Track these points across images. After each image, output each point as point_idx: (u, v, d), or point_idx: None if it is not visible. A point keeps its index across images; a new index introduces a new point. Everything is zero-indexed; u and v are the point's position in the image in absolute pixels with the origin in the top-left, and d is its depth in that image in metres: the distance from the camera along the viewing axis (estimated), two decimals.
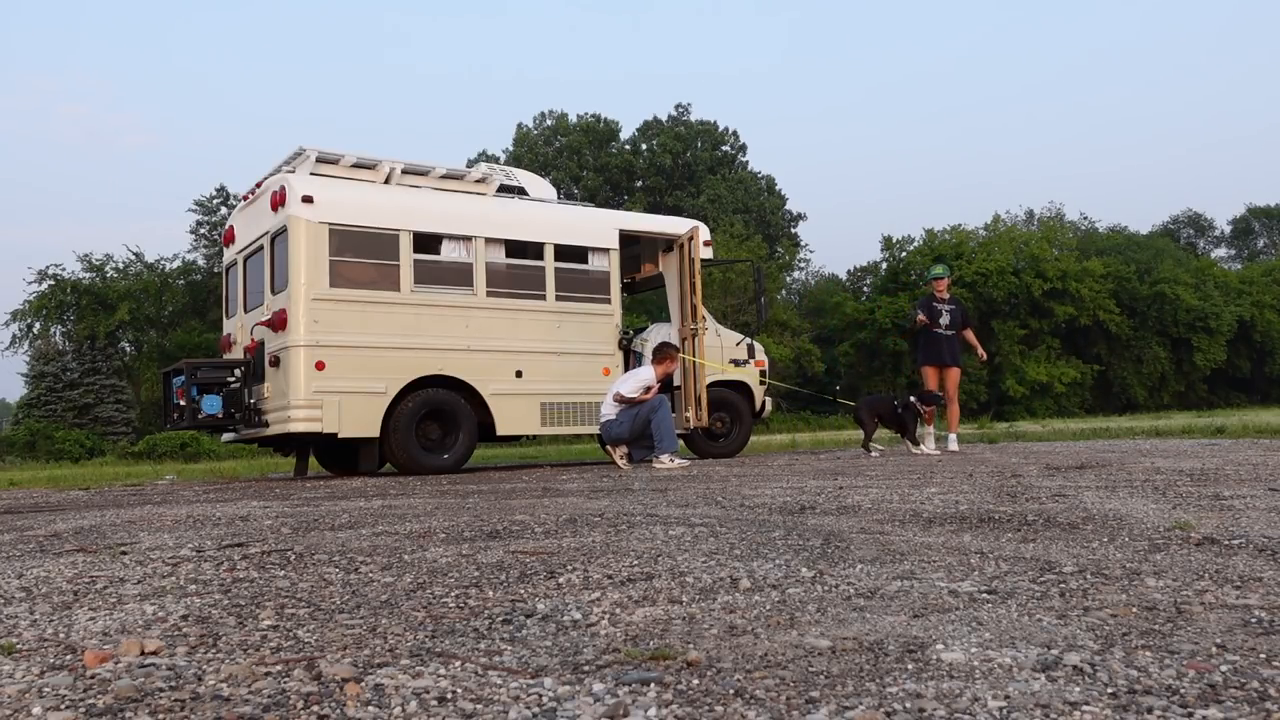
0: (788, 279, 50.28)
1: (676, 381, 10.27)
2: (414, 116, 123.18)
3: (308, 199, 8.27)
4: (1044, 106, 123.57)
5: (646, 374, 8.63)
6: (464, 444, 8.85)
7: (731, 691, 1.38)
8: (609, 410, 8.51)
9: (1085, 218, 57.79)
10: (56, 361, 34.88)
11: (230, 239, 9.83)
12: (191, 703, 1.37)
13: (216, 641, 1.76)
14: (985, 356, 9.90)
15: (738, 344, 10.95)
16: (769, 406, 11.41)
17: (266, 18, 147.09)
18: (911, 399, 9.39)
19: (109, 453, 27.85)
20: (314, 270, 8.24)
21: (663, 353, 8.81)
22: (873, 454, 9.26)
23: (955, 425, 9.95)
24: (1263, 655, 1.50)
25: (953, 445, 9.73)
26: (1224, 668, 1.44)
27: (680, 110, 53.24)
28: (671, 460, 8.10)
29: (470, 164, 12.71)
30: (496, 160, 45.85)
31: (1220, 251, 69.88)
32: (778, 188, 52.39)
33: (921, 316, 9.65)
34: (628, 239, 10.16)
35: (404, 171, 9.18)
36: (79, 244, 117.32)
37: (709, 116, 53.67)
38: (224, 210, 40.14)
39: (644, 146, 52.29)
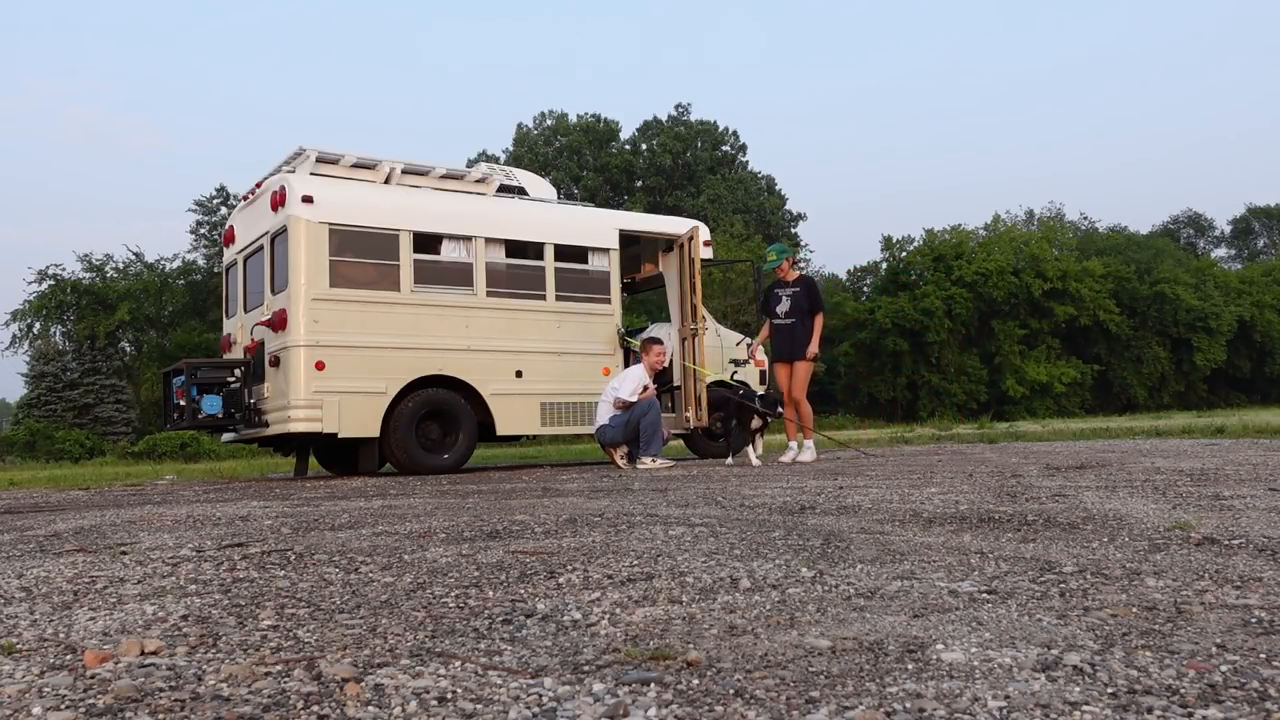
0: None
1: (676, 381, 10.27)
2: (414, 116, 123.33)
3: (308, 199, 8.27)
4: (1044, 105, 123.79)
5: (638, 372, 8.61)
6: (464, 444, 8.85)
7: (731, 691, 1.38)
8: (604, 416, 8.51)
9: (1085, 218, 57.95)
10: (56, 361, 34.88)
11: (230, 239, 9.83)
12: (191, 703, 1.37)
13: (216, 641, 1.75)
14: (815, 354, 8.40)
15: (738, 344, 10.95)
16: None
17: (266, 18, 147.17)
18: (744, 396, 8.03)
19: (109, 453, 27.84)
20: (314, 270, 8.24)
21: (646, 346, 8.81)
22: (727, 462, 8.11)
23: (807, 430, 8.42)
24: (1263, 655, 1.50)
25: (806, 454, 8.29)
26: (1224, 668, 1.44)
27: (680, 110, 53.25)
28: (653, 461, 8.11)
29: (470, 164, 12.71)
30: (496, 160, 45.84)
31: (1220, 251, 69.98)
32: (778, 188, 52.40)
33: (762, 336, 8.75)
34: (628, 239, 10.16)
35: (404, 171, 9.19)
36: (80, 244, 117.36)
37: (709, 116, 53.75)
38: (224, 210, 40.14)
39: (644, 146, 52.27)
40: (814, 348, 8.33)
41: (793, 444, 8.52)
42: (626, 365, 9.86)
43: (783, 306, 8.48)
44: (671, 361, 10.40)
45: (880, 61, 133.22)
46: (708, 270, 13.11)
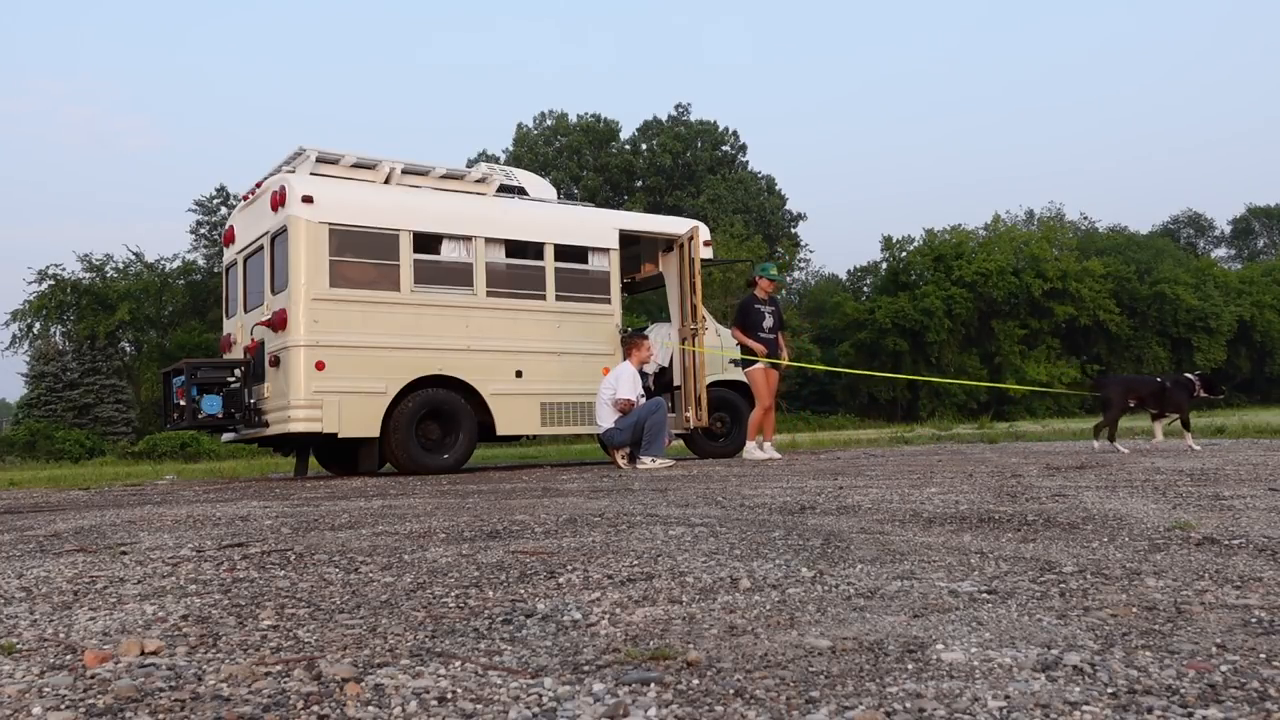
0: (788, 279, 50.29)
1: (676, 381, 10.27)
2: (414, 116, 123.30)
3: (308, 199, 8.28)
4: (1044, 105, 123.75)
5: (631, 370, 8.62)
6: (464, 444, 8.84)
7: (731, 691, 1.38)
8: (607, 420, 8.51)
9: (1085, 218, 57.90)
10: (56, 361, 34.89)
11: (230, 239, 9.83)
12: (191, 703, 1.37)
13: (216, 641, 1.75)
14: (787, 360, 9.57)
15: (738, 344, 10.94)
16: None
17: (266, 19, 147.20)
18: (1191, 378, 7.53)
19: (109, 453, 27.84)
20: (314, 270, 8.24)
21: (635, 343, 8.90)
22: (1122, 450, 7.49)
23: (770, 431, 9.36)
24: (1263, 655, 1.50)
25: (766, 452, 9.08)
26: (1224, 668, 1.44)
27: (680, 110, 53.24)
28: (653, 461, 8.15)
29: (470, 164, 12.71)
30: (496, 160, 45.83)
31: (1220, 251, 69.98)
32: (778, 188, 52.36)
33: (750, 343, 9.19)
34: (628, 239, 10.15)
35: (404, 171, 9.18)
36: (80, 244, 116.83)
37: (709, 116, 53.73)
38: (224, 210, 40.13)
39: (644, 146, 52.26)
40: (786, 356, 9.45)
41: (767, 443, 9.21)
42: None
43: (768, 322, 9.31)
44: (672, 361, 10.40)
45: (880, 61, 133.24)
46: (708, 270, 13.11)
